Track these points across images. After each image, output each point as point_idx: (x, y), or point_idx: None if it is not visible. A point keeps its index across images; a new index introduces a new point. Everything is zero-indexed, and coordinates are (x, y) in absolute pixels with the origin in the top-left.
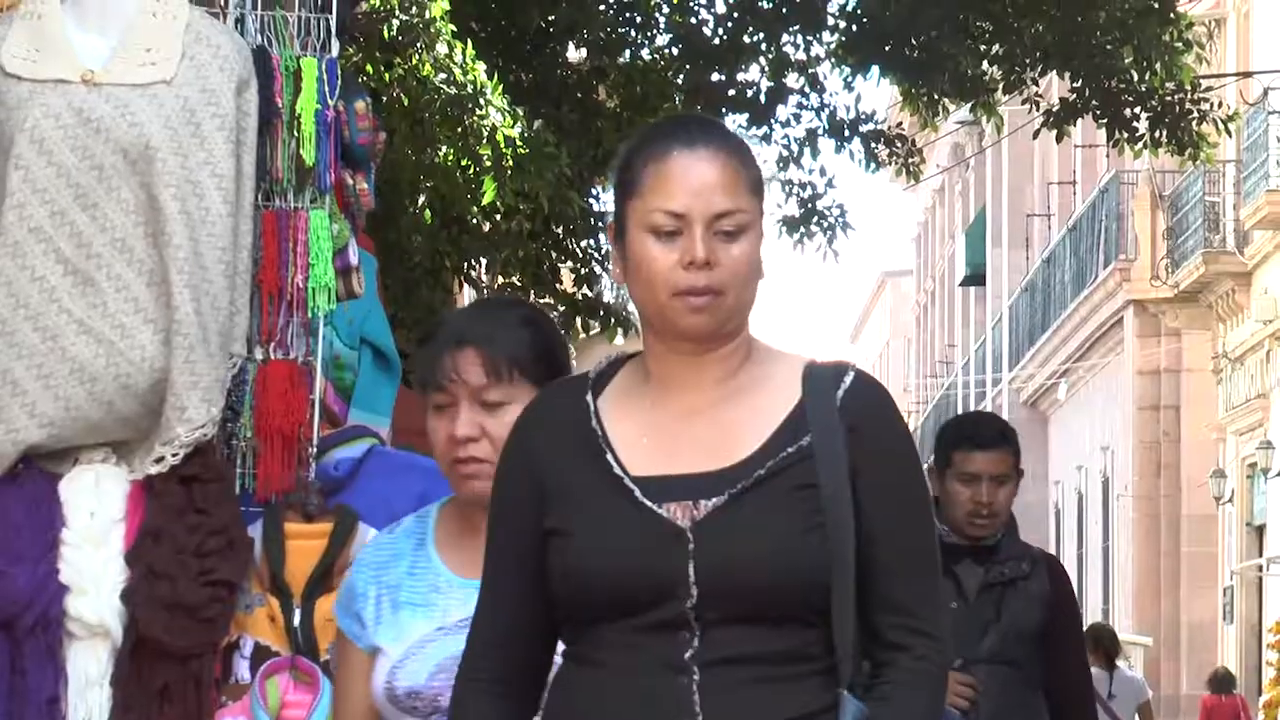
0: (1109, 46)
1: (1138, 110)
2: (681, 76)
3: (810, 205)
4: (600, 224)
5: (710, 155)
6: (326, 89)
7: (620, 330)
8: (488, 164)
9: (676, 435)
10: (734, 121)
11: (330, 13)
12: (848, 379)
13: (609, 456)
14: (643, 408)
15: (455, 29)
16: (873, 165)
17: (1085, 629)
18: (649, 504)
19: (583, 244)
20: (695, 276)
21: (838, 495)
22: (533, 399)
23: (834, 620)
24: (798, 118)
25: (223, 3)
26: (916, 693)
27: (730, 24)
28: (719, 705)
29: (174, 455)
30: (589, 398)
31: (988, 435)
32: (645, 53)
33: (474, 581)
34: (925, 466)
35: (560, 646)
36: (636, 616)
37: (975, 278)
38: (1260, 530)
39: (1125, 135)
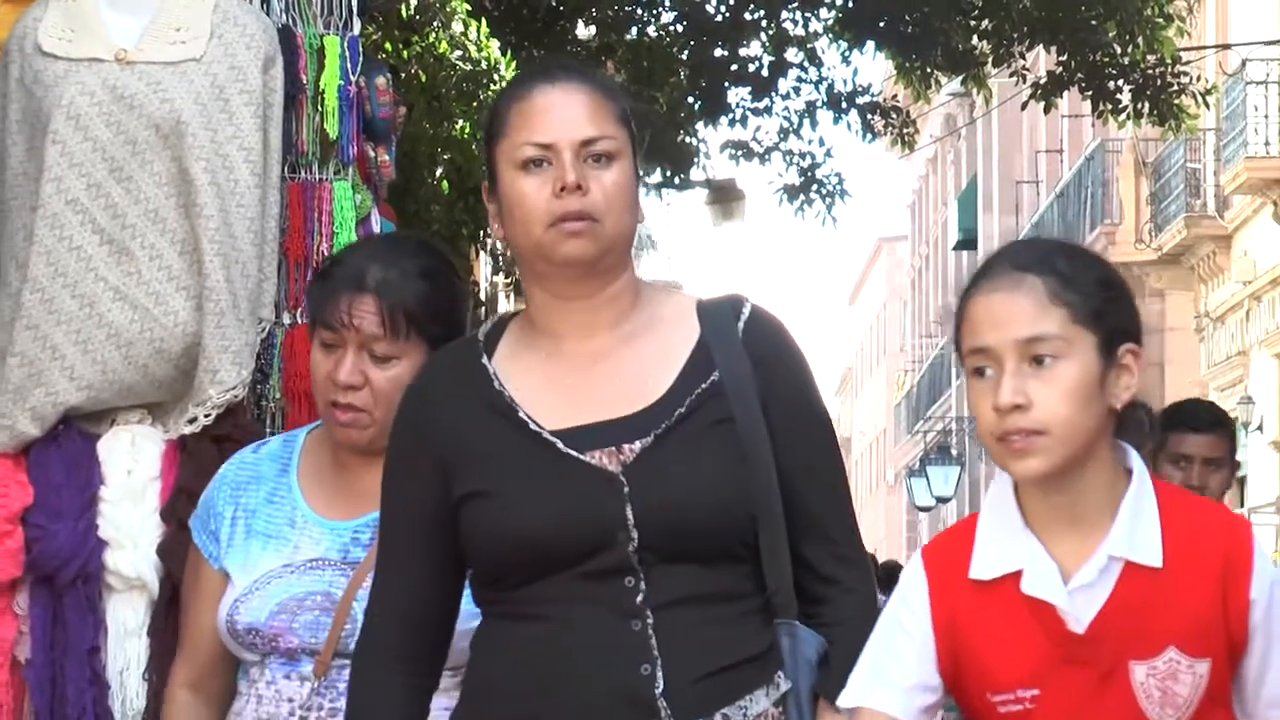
0: (1093, 21)
1: (1121, 83)
2: (686, 52)
3: (810, 174)
4: None
5: (573, 87)
6: (349, 66)
7: None
8: None
9: (581, 384)
10: (737, 95)
11: None
12: (746, 311)
13: (521, 414)
14: (539, 361)
15: (470, 8)
16: (869, 136)
17: None
18: (574, 454)
19: None
20: (568, 201)
21: (754, 428)
22: (421, 368)
23: (764, 553)
24: (797, 91)
25: None
26: (857, 626)
27: (732, 2)
28: (676, 647)
29: (206, 416)
30: (485, 360)
31: (1203, 419)
32: (651, 30)
33: (331, 522)
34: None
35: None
36: (576, 567)
37: (967, 242)
38: (1242, 481)
39: (1109, 107)
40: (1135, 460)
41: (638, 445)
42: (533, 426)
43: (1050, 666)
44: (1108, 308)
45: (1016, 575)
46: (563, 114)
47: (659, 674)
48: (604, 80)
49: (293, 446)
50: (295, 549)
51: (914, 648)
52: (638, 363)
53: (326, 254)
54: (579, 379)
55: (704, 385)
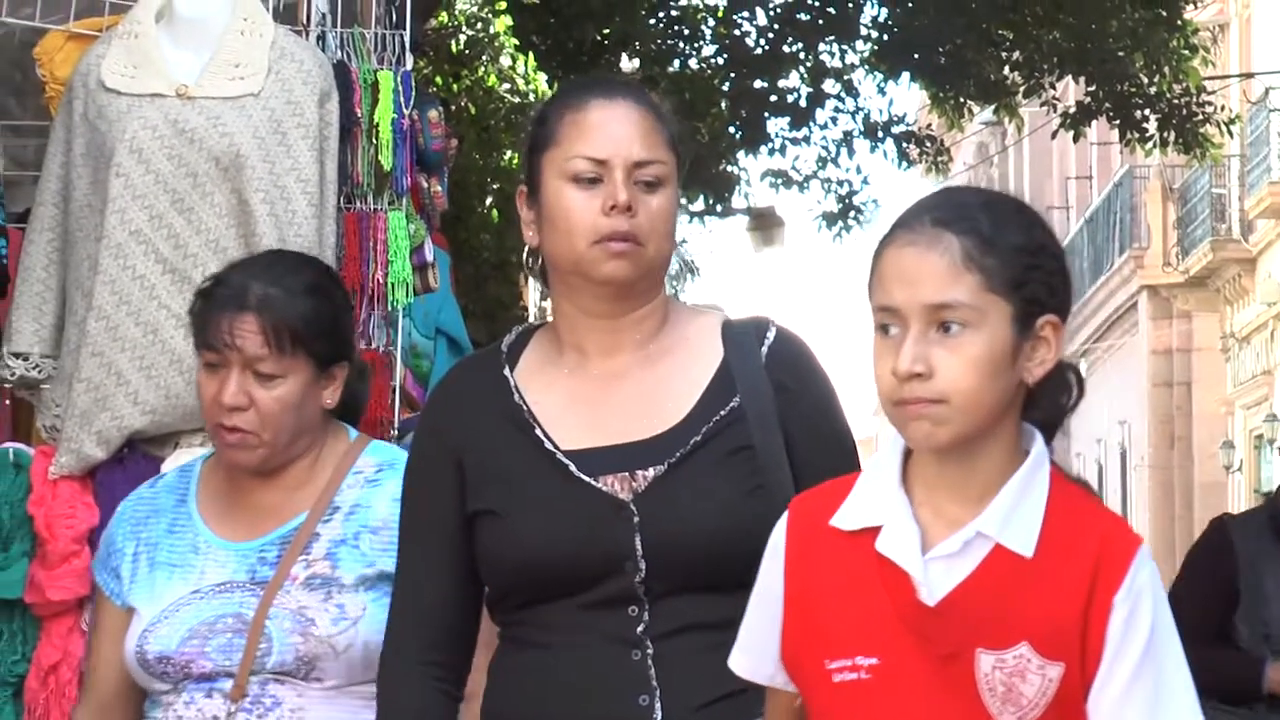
0: (1120, 53)
1: (1147, 112)
2: (727, 84)
3: (848, 201)
4: None
5: (629, 106)
6: (402, 99)
7: None
8: None
9: (601, 404)
10: (776, 125)
11: (404, 29)
12: (770, 335)
13: (538, 432)
14: (561, 377)
15: (517, 43)
16: (905, 163)
17: None
18: (586, 479)
19: None
20: (617, 221)
21: (774, 456)
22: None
23: None
24: (835, 121)
25: (305, 21)
26: None
27: (771, 35)
28: (675, 677)
29: None
30: (506, 372)
31: None
32: (693, 62)
33: (234, 544)
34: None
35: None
36: (582, 594)
37: None
38: (1267, 496)
39: (1136, 136)
40: (1037, 444)
41: (651, 472)
42: (548, 446)
43: (893, 636)
44: (1028, 276)
45: (877, 532)
46: (618, 131)
47: (657, 705)
48: (656, 104)
49: (189, 476)
50: (201, 574)
51: (767, 610)
52: (659, 385)
53: (382, 282)
54: (599, 398)
55: (723, 411)
